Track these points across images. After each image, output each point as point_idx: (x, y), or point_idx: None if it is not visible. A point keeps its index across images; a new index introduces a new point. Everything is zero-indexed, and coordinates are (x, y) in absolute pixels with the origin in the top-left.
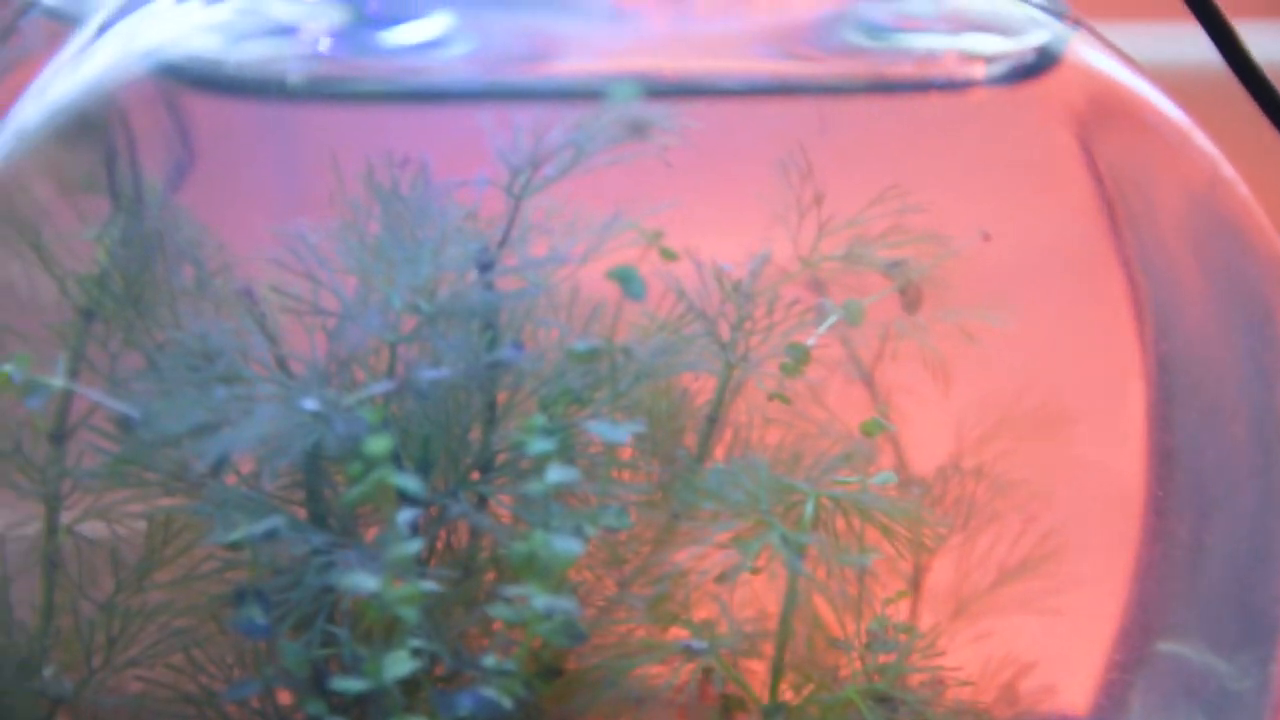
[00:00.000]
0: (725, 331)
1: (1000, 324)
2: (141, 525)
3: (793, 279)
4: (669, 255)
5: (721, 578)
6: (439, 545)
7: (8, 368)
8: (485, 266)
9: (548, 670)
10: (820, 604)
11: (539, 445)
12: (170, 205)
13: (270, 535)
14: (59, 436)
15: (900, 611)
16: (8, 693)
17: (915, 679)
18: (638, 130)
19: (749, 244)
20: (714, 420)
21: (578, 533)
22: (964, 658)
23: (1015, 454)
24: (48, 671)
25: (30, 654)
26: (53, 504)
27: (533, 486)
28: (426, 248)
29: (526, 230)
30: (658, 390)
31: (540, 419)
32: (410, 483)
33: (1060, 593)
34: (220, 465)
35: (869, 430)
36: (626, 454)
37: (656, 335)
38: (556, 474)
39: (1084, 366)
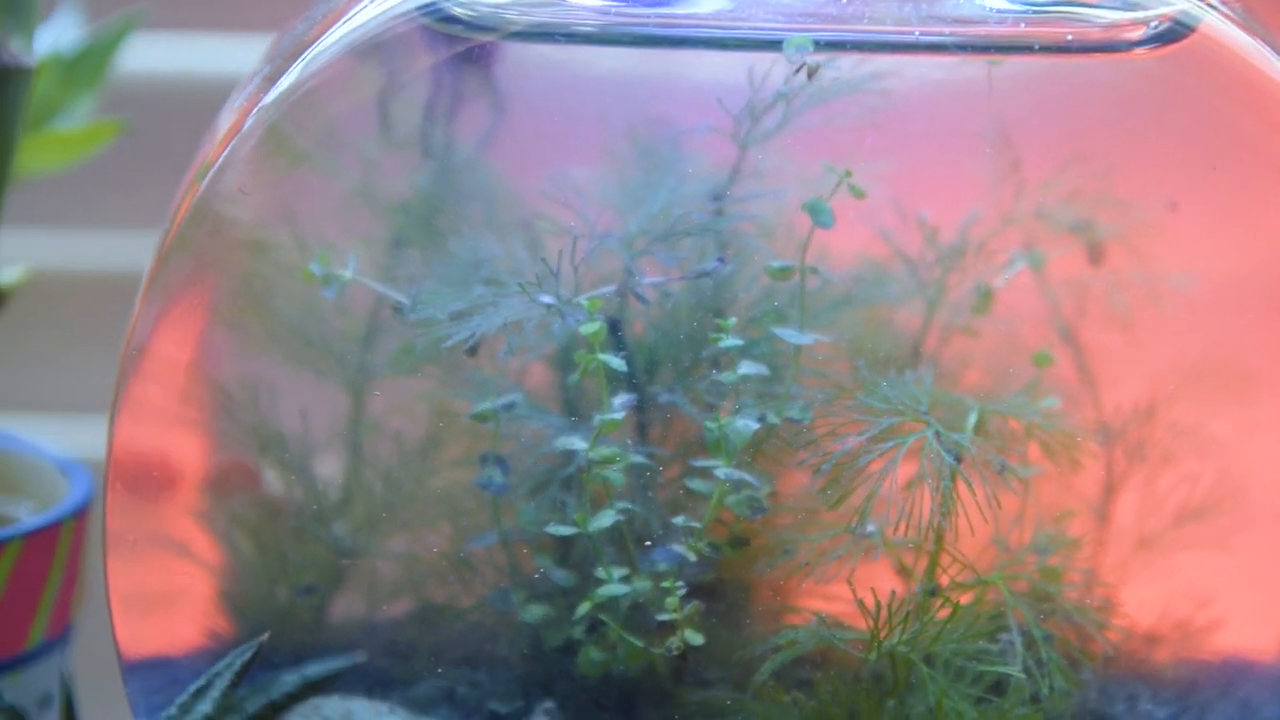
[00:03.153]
0: (925, 273)
1: (1182, 286)
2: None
3: (993, 235)
4: (857, 193)
5: (883, 470)
6: (653, 430)
7: (313, 266)
8: (712, 200)
9: (736, 539)
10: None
11: (729, 342)
12: (463, 146)
13: (508, 408)
14: (367, 336)
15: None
16: (305, 542)
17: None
18: (810, 74)
19: (953, 203)
20: (915, 350)
21: (763, 420)
22: (1144, 592)
23: (1199, 407)
24: (338, 528)
25: (325, 512)
26: (358, 392)
27: (725, 377)
28: (664, 187)
29: (751, 175)
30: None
31: (732, 320)
32: (616, 362)
33: (1238, 534)
34: (471, 345)
35: (1039, 361)
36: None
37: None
38: (746, 367)
39: (1263, 326)
